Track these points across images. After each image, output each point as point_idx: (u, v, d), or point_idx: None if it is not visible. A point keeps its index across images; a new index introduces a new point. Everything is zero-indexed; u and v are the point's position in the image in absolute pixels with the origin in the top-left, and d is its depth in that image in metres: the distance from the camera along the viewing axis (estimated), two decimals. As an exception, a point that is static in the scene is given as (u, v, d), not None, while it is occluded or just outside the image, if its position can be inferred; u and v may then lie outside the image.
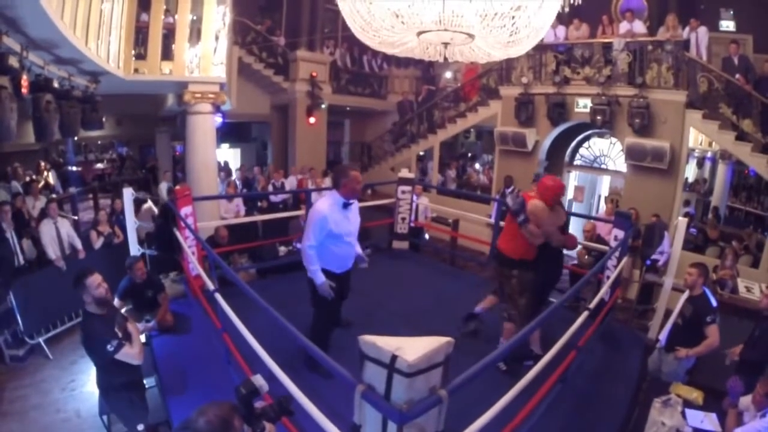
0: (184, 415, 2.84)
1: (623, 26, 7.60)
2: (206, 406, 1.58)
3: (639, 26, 7.52)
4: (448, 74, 12.55)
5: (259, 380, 1.74)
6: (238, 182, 9.11)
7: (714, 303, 3.37)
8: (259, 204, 8.50)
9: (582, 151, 9.29)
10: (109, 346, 2.54)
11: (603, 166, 9.06)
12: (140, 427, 2.79)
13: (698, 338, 3.29)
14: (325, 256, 3.05)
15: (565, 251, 3.66)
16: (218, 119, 7.86)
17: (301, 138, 10.69)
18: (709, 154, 9.32)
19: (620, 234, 4.08)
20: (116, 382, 2.74)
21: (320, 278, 2.98)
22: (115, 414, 2.89)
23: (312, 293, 3.10)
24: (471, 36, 3.58)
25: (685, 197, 8.11)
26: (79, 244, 5.66)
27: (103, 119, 5.85)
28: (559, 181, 3.39)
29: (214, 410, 1.55)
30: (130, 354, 2.64)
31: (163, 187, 8.42)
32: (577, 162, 9.39)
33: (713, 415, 2.83)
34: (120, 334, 2.66)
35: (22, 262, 5.05)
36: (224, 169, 10.24)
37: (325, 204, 3.03)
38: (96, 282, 2.61)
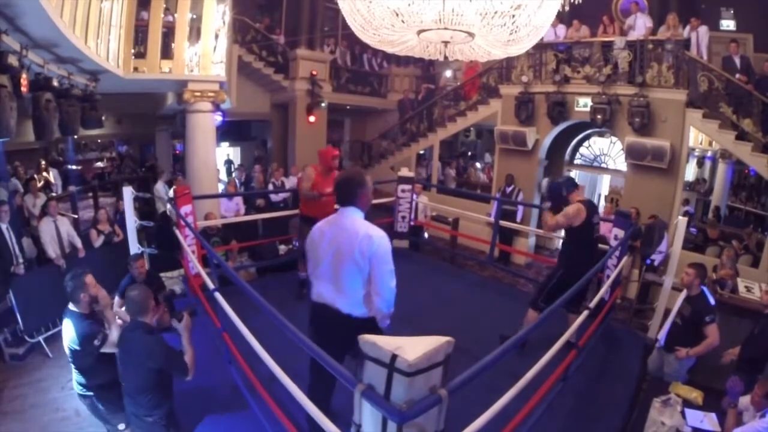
0: (183, 414, 2.85)
1: (631, 19, 7.59)
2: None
3: (644, 20, 7.51)
4: (449, 73, 12.53)
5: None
6: (238, 181, 9.10)
7: (712, 302, 3.38)
8: (257, 203, 8.48)
9: (582, 150, 9.29)
10: (96, 341, 2.67)
11: (603, 165, 9.06)
12: (121, 426, 2.89)
13: (697, 338, 3.30)
14: None
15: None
16: (218, 118, 7.86)
17: (301, 136, 10.67)
18: (709, 154, 9.33)
19: (620, 233, 4.07)
20: (94, 383, 2.82)
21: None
22: (95, 416, 2.95)
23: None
24: (471, 34, 3.58)
25: (685, 197, 8.11)
26: (79, 243, 5.66)
27: (103, 118, 5.84)
28: (329, 148, 4.27)
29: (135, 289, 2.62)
30: (115, 342, 2.75)
31: (161, 186, 8.40)
32: (577, 161, 9.39)
33: (713, 415, 2.83)
34: (104, 328, 2.80)
35: (21, 261, 5.02)
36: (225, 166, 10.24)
37: (376, 228, 2.29)
38: (93, 282, 2.80)
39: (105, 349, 2.73)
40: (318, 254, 2.34)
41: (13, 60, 3.36)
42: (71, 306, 2.75)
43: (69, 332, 2.70)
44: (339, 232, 2.27)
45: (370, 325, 2.31)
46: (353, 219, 2.30)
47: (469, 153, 14.85)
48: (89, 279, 2.78)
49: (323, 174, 3.99)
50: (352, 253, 2.20)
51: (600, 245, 5.15)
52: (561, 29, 8.16)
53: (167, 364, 2.52)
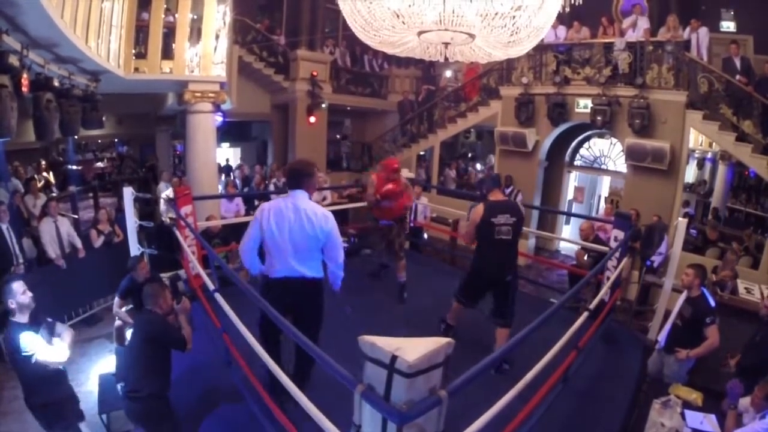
0: (183, 414, 2.84)
1: (628, 20, 7.60)
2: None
3: (643, 20, 7.52)
4: (449, 74, 12.54)
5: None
6: (237, 181, 9.10)
7: (713, 304, 3.37)
8: (256, 203, 8.48)
9: (582, 151, 9.30)
10: (24, 353, 2.56)
11: (603, 167, 9.07)
12: None
13: (698, 339, 3.29)
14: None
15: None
16: (218, 118, 7.86)
17: (302, 137, 10.68)
18: (709, 155, 9.33)
19: (620, 235, 4.07)
20: (39, 401, 2.76)
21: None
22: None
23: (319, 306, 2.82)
24: (471, 36, 3.58)
25: (685, 198, 8.12)
26: (79, 243, 5.66)
27: (104, 118, 5.84)
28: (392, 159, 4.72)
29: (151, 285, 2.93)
30: (48, 357, 2.66)
31: (163, 187, 8.41)
32: (577, 162, 9.40)
33: (712, 417, 2.83)
34: (44, 339, 2.69)
35: (21, 261, 5.02)
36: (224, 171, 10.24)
37: (324, 208, 2.74)
38: (22, 289, 2.68)
39: (43, 361, 2.62)
40: (280, 233, 2.59)
41: (13, 60, 3.36)
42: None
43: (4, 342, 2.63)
44: (298, 212, 2.59)
45: (322, 284, 2.80)
46: (306, 201, 2.64)
47: (470, 154, 14.87)
48: (17, 285, 2.67)
49: (384, 182, 4.37)
50: (314, 229, 2.58)
51: (600, 246, 5.18)
52: (561, 30, 8.17)
53: (165, 335, 2.73)
